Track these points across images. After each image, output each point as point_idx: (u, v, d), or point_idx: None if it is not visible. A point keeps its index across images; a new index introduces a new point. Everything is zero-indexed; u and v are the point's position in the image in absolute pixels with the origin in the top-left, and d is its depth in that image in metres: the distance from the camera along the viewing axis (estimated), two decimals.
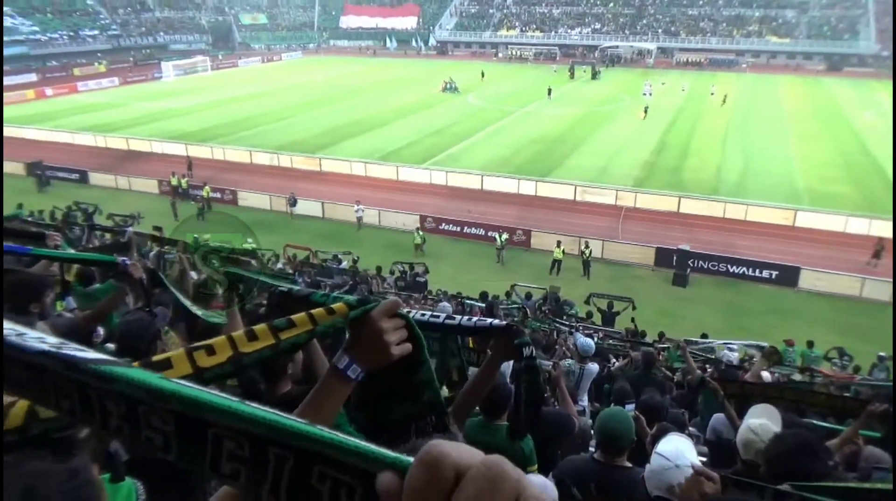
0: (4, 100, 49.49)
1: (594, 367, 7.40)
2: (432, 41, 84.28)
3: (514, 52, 77.82)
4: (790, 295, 20.25)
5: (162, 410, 0.70)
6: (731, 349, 12.16)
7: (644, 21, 78.33)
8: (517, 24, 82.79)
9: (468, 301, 16.08)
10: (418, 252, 22.90)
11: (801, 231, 23.92)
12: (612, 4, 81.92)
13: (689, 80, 56.18)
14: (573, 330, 12.46)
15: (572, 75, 61.06)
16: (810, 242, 22.93)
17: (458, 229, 24.74)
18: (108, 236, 10.10)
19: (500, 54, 78.24)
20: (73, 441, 1.11)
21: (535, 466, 3.51)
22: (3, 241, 4.51)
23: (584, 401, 7.27)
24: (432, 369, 1.51)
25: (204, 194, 27.12)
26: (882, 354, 13.52)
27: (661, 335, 14.56)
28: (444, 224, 24.91)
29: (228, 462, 0.67)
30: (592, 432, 4.74)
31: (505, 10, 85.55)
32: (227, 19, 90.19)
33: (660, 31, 76.01)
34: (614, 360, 10.83)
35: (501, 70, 66.71)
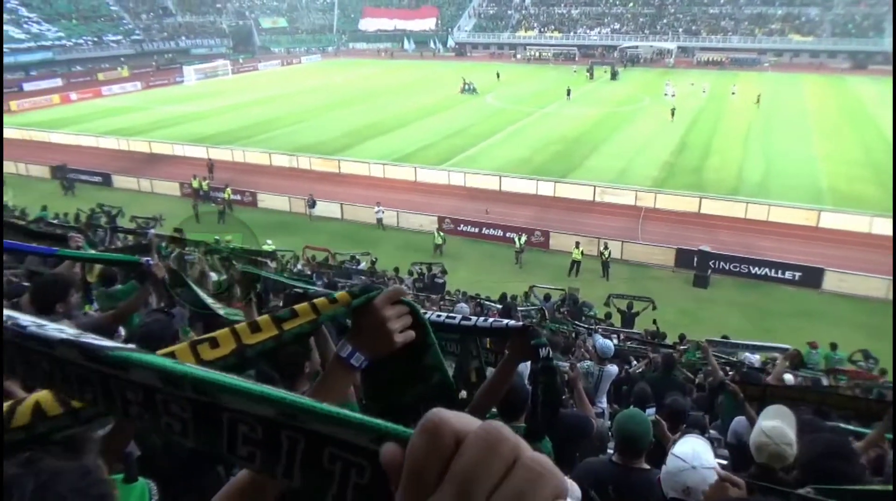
0: (31, 105, 50.60)
1: (613, 369, 7.35)
2: (451, 43, 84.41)
3: (532, 53, 77.64)
4: (814, 297, 19.94)
5: (180, 398, 0.73)
6: (752, 352, 12.03)
7: (664, 20, 77.73)
8: (536, 24, 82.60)
9: (487, 303, 16.07)
10: (437, 253, 22.92)
11: (824, 232, 23.56)
12: (631, 4, 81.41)
13: (710, 79, 55.58)
14: (592, 332, 12.39)
15: (591, 76, 60.76)
16: (834, 242, 22.57)
17: (477, 230, 24.72)
18: (130, 237, 10.27)
19: (518, 55, 78.10)
20: (85, 439, 1.12)
21: None
22: (26, 242, 4.60)
23: (603, 403, 7.22)
24: (440, 353, 1.51)
25: (225, 195, 27.42)
26: None
27: (682, 337, 14.42)
28: (462, 225, 24.91)
29: (244, 445, 0.70)
30: (611, 434, 4.71)
31: (523, 11, 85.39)
32: (248, 23, 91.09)
33: (680, 30, 75.38)
34: (635, 362, 10.75)
35: (520, 71, 66.60)
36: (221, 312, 4.26)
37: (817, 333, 15.73)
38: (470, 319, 2.21)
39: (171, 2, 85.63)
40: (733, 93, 48.67)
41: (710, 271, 20.86)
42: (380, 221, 25.47)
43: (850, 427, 5.19)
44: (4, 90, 52.38)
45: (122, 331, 4.77)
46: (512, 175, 29.78)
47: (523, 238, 22.48)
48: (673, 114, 40.68)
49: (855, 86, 54.07)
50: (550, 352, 2.13)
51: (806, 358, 13.28)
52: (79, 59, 68.96)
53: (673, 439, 3.99)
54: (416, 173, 30.92)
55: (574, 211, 26.20)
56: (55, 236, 5.15)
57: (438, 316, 2.09)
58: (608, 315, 16.77)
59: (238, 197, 28.18)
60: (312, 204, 26.66)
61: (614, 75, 60.49)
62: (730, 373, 8.99)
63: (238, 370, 1.25)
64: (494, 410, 3.72)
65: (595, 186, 27.71)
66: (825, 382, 9.33)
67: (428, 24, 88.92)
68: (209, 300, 4.44)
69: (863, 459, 3.60)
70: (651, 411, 5.14)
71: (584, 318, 15.74)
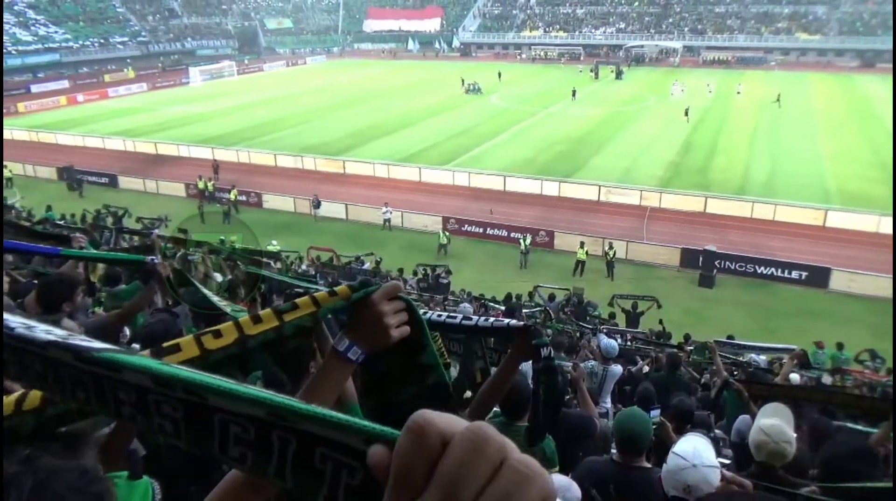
0: (38, 107, 50.87)
1: (617, 369, 7.33)
2: (456, 43, 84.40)
3: (537, 53, 77.56)
4: (820, 296, 19.85)
5: (171, 398, 0.73)
6: (758, 353, 11.98)
7: (670, 20, 77.53)
8: (540, 24, 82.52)
9: (491, 304, 16.05)
10: (442, 253, 22.92)
11: (831, 231, 23.45)
12: (636, 3, 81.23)
13: (716, 79, 55.41)
14: (597, 332, 12.37)
15: (596, 75, 60.66)
16: (841, 242, 22.46)
17: (481, 230, 24.71)
18: (136, 239, 10.31)
19: (523, 55, 78.01)
20: (83, 438, 1.13)
21: (557, 467, 3.49)
22: (29, 242, 4.63)
23: (608, 403, 7.20)
24: (436, 353, 1.53)
25: (231, 196, 27.51)
26: None
27: (687, 337, 14.38)
28: (466, 226, 24.90)
29: (235, 445, 0.70)
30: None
31: (528, 11, 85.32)
32: (253, 24, 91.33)
33: (686, 29, 75.17)
34: (640, 361, 10.73)
35: (525, 71, 66.55)
36: (228, 309, 4.28)
37: (824, 333, 15.64)
38: (471, 318, 2.21)
39: (177, 3, 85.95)
40: (738, 92, 48.49)
41: (715, 270, 20.80)
42: (387, 221, 25.47)
43: (857, 427, 5.17)
44: (12, 93, 52.73)
45: (127, 331, 4.80)
46: (516, 175, 29.75)
47: (528, 240, 22.42)
48: (687, 113, 40.30)
49: (863, 84, 53.79)
50: (552, 352, 2.13)
51: (812, 358, 13.21)
52: (85, 61, 69.24)
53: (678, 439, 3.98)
54: (421, 174, 30.93)
55: (579, 211, 26.16)
56: (58, 236, 5.18)
57: (439, 316, 2.10)
58: (612, 315, 16.74)
59: (243, 198, 28.26)
60: (317, 205, 26.70)
61: (619, 75, 60.36)
62: (735, 373, 8.97)
63: (240, 362, 1.27)
64: (498, 410, 3.73)
65: (600, 186, 27.65)
66: (829, 381, 9.29)
67: (433, 24, 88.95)
68: (215, 299, 4.46)
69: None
70: (655, 412, 5.12)
71: (588, 318, 15.71)
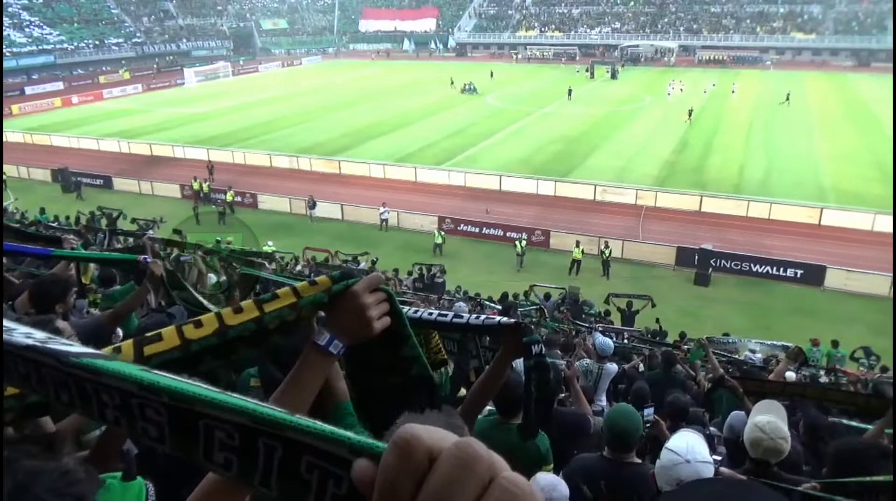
0: (33, 108, 50.73)
1: (613, 367, 7.33)
2: (451, 43, 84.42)
3: (533, 53, 77.63)
4: (816, 295, 19.90)
5: (156, 402, 0.71)
6: (753, 351, 12.01)
7: (665, 19, 77.69)
8: (536, 24, 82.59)
9: (487, 303, 16.04)
10: (437, 253, 22.92)
11: (827, 229, 23.51)
12: (632, 3, 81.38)
13: (712, 78, 55.53)
14: (592, 330, 12.38)
15: (592, 75, 60.75)
16: (837, 240, 22.52)
17: (477, 230, 24.71)
18: (130, 240, 10.29)
19: (519, 55, 78.06)
20: (64, 439, 1.12)
21: (551, 465, 3.48)
22: (22, 243, 4.61)
23: (603, 401, 7.19)
24: (417, 345, 1.52)
25: (228, 197, 27.44)
26: None
27: (683, 335, 14.40)
28: (462, 225, 24.89)
29: (220, 451, 0.68)
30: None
31: (524, 11, 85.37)
32: (248, 25, 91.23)
33: (681, 29, 75.34)
34: (636, 359, 10.73)
35: (521, 71, 66.61)
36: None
37: (819, 331, 15.69)
38: (462, 316, 2.20)
39: (172, 4, 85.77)
40: (733, 91, 48.59)
41: (711, 269, 20.82)
42: (385, 222, 25.46)
43: (851, 423, 5.18)
44: (6, 94, 52.53)
45: (120, 332, 4.78)
46: (512, 175, 29.76)
47: (524, 242, 22.40)
48: (690, 114, 40.18)
49: (858, 83, 53.98)
50: (543, 348, 2.12)
51: (808, 355, 13.25)
52: (80, 63, 69.08)
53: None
54: (417, 174, 30.92)
55: (575, 210, 26.18)
56: (49, 237, 5.16)
57: (430, 314, 2.09)
58: (607, 312, 16.76)
59: (239, 198, 28.20)
60: (313, 205, 26.66)
61: (615, 74, 60.44)
62: (730, 371, 8.98)
63: (223, 353, 1.26)
64: (493, 408, 3.72)
65: (596, 186, 27.68)
66: (823, 379, 9.32)
67: (428, 24, 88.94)
68: (206, 302, 4.45)
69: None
70: (649, 411, 5.11)
71: (584, 316, 15.72)
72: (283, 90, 56.93)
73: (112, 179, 31.70)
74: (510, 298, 16.93)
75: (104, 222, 19.83)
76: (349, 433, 0.62)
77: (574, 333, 12.57)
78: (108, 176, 31.92)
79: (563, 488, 2.51)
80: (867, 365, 13.20)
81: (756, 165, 31.32)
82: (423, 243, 23.70)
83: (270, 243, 20.14)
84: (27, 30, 68.37)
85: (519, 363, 2.19)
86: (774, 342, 12.39)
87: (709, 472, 2.49)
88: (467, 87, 52.96)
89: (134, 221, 19.91)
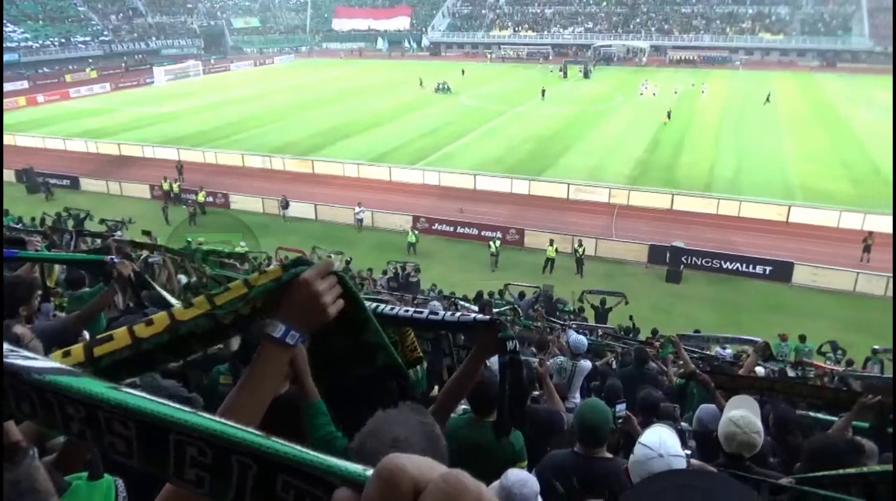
0: None
1: (586, 364, 7.37)
2: (425, 42, 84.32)
3: (507, 52, 77.90)
4: (784, 291, 20.29)
5: (124, 416, 0.69)
6: (724, 347, 12.19)
7: (637, 20, 78.53)
8: (510, 24, 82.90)
9: (462, 303, 16.03)
10: (411, 252, 22.87)
11: (794, 227, 23.98)
12: (604, 3, 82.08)
13: (683, 77, 56.28)
14: (566, 327, 12.45)
15: (565, 75, 61.14)
16: (804, 237, 22.98)
17: (452, 229, 24.72)
18: (98, 241, 10.08)
19: (493, 55, 78.27)
20: (24, 448, 1.08)
21: (525, 462, 3.49)
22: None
23: (577, 398, 7.24)
24: (381, 331, 1.49)
25: (200, 198, 27.05)
26: (876, 347, 13.53)
27: (655, 331, 14.56)
28: (437, 224, 24.89)
29: (192, 468, 0.66)
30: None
31: (497, 11, 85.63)
32: (220, 23, 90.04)
33: (653, 29, 76.23)
34: (609, 356, 10.83)
35: (494, 70, 66.78)
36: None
37: (788, 326, 16.01)
38: (437, 313, 2.19)
39: (141, 2, 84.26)
40: (703, 91, 49.30)
41: (682, 266, 21.11)
42: (360, 221, 25.33)
43: (818, 416, 5.28)
44: None
45: (87, 334, 4.68)
46: (487, 174, 29.82)
47: (498, 243, 22.45)
48: (669, 115, 40.47)
49: (824, 83, 55.14)
50: (517, 345, 2.11)
51: (776, 350, 13.49)
52: (46, 61, 67.50)
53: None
54: (391, 173, 30.82)
55: (549, 209, 26.32)
56: (13, 239, 5.03)
57: (406, 311, 2.08)
58: (581, 310, 16.86)
59: (211, 199, 27.83)
60: (286, 205, 26.42)
61: (587, 74, 60.92)
62: (700, 366, 9.10)
63: (176, 349, 1.23)
64: (467, 406, 3.72)
65: (569, 184, 27.89)
66: (791, 373, 9.50)
67: (402, 23, 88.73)
68: (174, 301, 4.38)
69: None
70: (622, 407, 5.16)
71: (558, 314, 15.80)
72: (256, 89, 56.31)
73: (79, 180, 31.06)
74: (485, 296, 16.95)
75: (71, 223, 19.41)
76: (332, 460, 0.60)
77: (548, 330, 12.63)
78: (75, 176, 31.26)
79: (533, 483, 2.51)
80: (833, 359, 13.47)
81: (726, 163, 31.83)
82: (398, 243, 23.64)
83: (243, 243, 19.89)
84: None
85: (493, 362, 2.18)
86: (742, 337, 12.61)
87: (681, 466, 2.51)
88: (441, 86, 52.92)
89: (102, 221, 19.52)
